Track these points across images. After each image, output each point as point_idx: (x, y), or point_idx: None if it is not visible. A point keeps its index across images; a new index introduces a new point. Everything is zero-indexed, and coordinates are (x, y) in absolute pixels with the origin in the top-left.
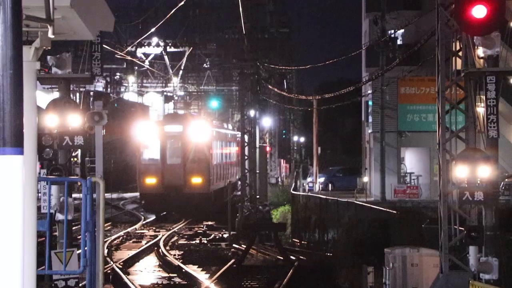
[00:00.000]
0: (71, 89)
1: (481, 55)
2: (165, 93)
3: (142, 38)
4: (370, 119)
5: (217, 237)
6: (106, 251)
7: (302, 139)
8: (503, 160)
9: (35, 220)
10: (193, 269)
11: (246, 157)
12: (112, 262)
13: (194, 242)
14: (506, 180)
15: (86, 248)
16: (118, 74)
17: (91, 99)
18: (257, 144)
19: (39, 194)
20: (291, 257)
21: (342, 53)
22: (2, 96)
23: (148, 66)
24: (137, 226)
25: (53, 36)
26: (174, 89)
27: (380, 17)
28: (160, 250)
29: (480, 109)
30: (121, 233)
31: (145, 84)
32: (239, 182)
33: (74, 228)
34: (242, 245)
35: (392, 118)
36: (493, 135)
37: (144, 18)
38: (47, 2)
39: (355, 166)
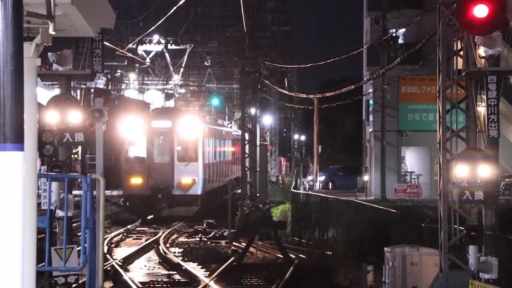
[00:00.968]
0: (72, 86)
1: (482, 54)
2: (166, 91)
3: (143, 35)
4: (371, 118)
5: (217, 235)
6: (106, 248)
7: (302, 138)
8: (503, 160)
9: (35, 216)
10: (193, 267)
11: (246, 155)
12: (112, 259)
13: (194, 239)
14: (507, 180)
15: (86, 245)
16: (119, 71)
17: (92, 96)
18: (258, 142)
19: (39, 191)
20: (291, 255)
21: (343, 52)
22: (3, 93)
23: (149, 64)
24: (137, 223)
25: (54, 33)
26: (175, 86)
27: (381, 16)
28: (160, 248)
29: (481, 109)
30: (121, 230)
31: (146, 81)
32: (234, 182)
33: (74, 225)
34: (242, 243)
35: (392, 117)
36: (493, 134)
37: (145, 15)
38: None
39: (356, 165)
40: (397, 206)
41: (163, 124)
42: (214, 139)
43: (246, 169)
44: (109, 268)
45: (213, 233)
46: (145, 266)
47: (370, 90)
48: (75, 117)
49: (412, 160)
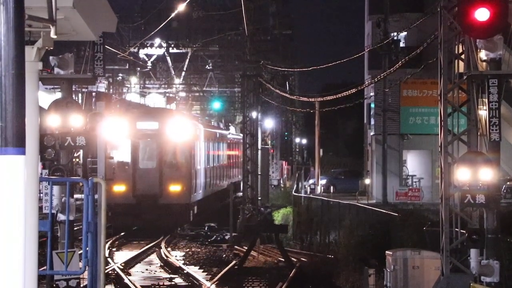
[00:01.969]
0: (73, 89)
1: (484, 58)
2: (167, 94)
3: (145, 39)
4: (372, 122)
5: (219, 238)
6: (107, 251)
7: (304, 141)
8: (505, 163)
9: (37, 220)
10: (194, 270)
11: (248, 159)
12: (113, 263)
13: (195, 243)
14: (508, 183)
15: (87, 249)
16: (120, 75)
17: (93, 99)
18: (259, 146)
19: (41, 195)
20: (293, 259)
21: (345, 55)
22: (5, 96)
23: (150, 67)
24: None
25: (55, 37)
26: (176, 90)
27: (383, 19)
28: (161, 251)
29: (482, 112)
30: (122, 233)
31: (148, 85)
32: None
33: (75, 228)
34: (244, 247)
35: (394, 120)
36: (495, 138)
37: (146, 19)
38: (49, 2)
39: (357, 169)
40: (399, 210)
41: (149, 126)
42: (207, 142)
43: (248, 173)
44: (110, 272)
45: (214, 236)
46: (147, 269)
47: (372, 94)
48: (77, 120)
49: (413, 163)
